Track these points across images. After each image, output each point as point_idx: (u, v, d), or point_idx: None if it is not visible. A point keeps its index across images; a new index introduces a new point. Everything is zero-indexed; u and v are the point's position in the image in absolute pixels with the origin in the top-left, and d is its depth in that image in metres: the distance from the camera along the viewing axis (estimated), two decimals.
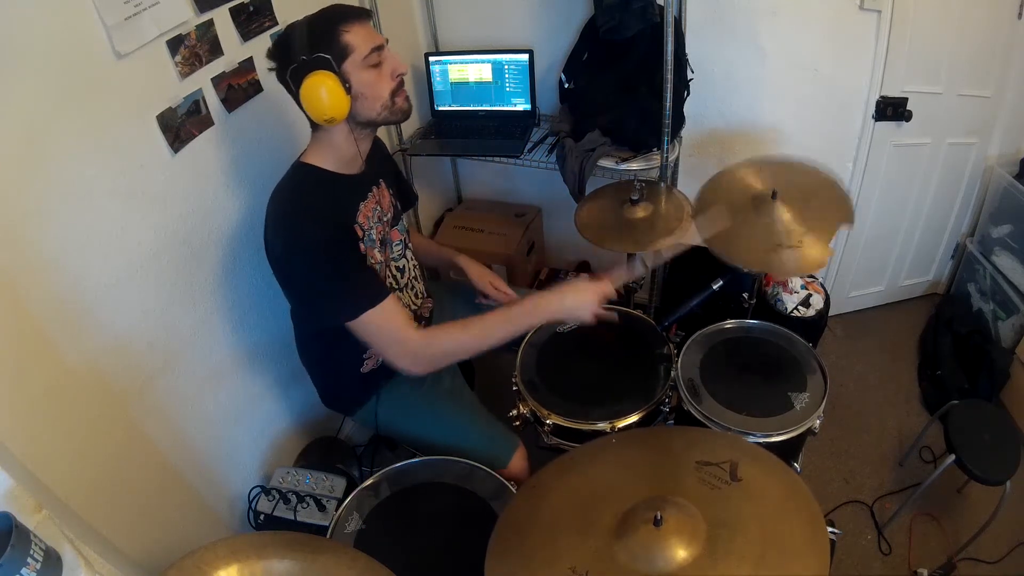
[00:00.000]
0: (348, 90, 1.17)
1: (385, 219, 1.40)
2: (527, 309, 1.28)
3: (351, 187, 1.31)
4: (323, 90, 1.14)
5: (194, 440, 1.47)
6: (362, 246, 1.29)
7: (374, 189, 1.37)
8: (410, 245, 1.53)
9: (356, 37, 1.17)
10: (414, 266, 1.54)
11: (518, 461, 1.41)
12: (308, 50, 1.15)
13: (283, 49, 1.19)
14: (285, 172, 1.29)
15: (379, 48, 1.21)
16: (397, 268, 1.47)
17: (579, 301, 1.28)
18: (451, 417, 1.47)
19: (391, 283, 1.45)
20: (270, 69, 1.22)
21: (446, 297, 1.70)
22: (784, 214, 1.42)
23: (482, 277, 1.60)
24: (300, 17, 1.20)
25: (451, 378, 1.56)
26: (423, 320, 1.55)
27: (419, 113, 2.25)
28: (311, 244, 1.18)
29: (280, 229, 1.21)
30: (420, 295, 1.56)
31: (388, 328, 1.22)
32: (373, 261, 1.33)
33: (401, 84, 1.26)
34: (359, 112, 1.22)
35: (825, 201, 1.44)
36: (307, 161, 1.28)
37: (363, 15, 1.21)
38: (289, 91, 1.21)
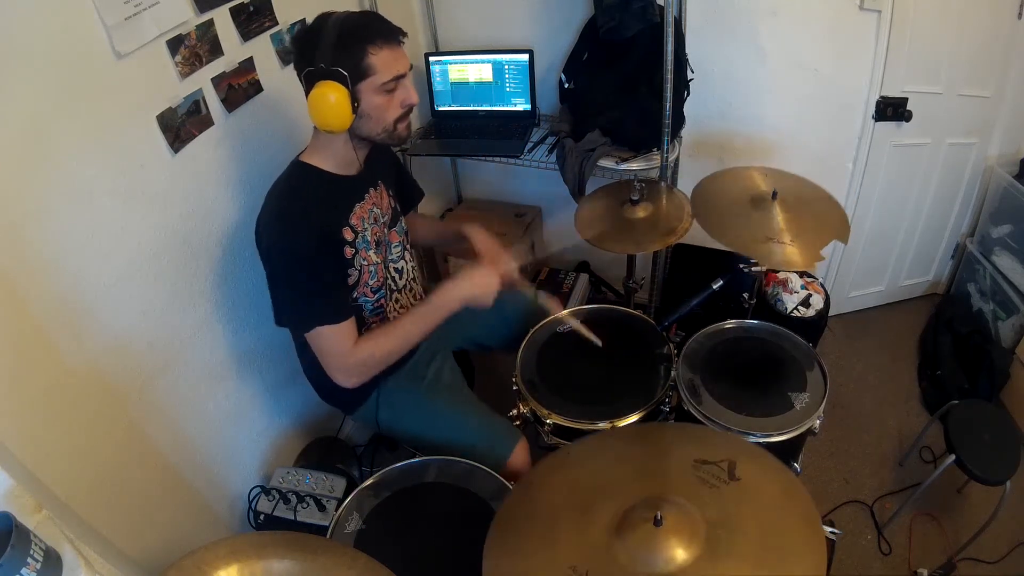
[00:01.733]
0: (355, 108, 1.17)
1: (383, 220, 1.41)
2: (436, 305, 1.33)
3: (347, 188, 1.31)
4: (330, 103, 1.14)
5: (194, 440, 1.47)
6: (350, 250, 1.29)
7: (371, 191, 1.37)
8: (409, 247, 1.53)
9: (382, 61, 1.16)
10: (412, 267, 1.54)
11: (520, 455, 1.41)
12: (330, 59, 1.13)
13: (307, 46, 1.17)
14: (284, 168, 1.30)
15: (400, 77, 1.20)
16: (396, 269, 1.47)
17: (480, 288, 1.33)
18: (451, 413, 1.47)
19: (390, 284, 1.45)
20: (288, 53, 1.21)
21: None
22: (780, 215, 1.44)
23: (485, 243, 1.51)
24: (300, 18, 1.19)
25: (450, 375, 1.56)
26: None
27: (419, 113, 2.26)
28: (290, 250, 1.20)
29: (268, 227, 1.23)
30: (419, 296, 1.56)
31: (332, 347, 1.26)
32: (367, 263, 1.34)
33: (408, 113, 1.26)
34: (359, 128, 1.23)
35: (823, 215, 1.48)
36: (305, 160, 1.29)
37: (396, 38, 1.19)
38: (301, 83, 1.20)
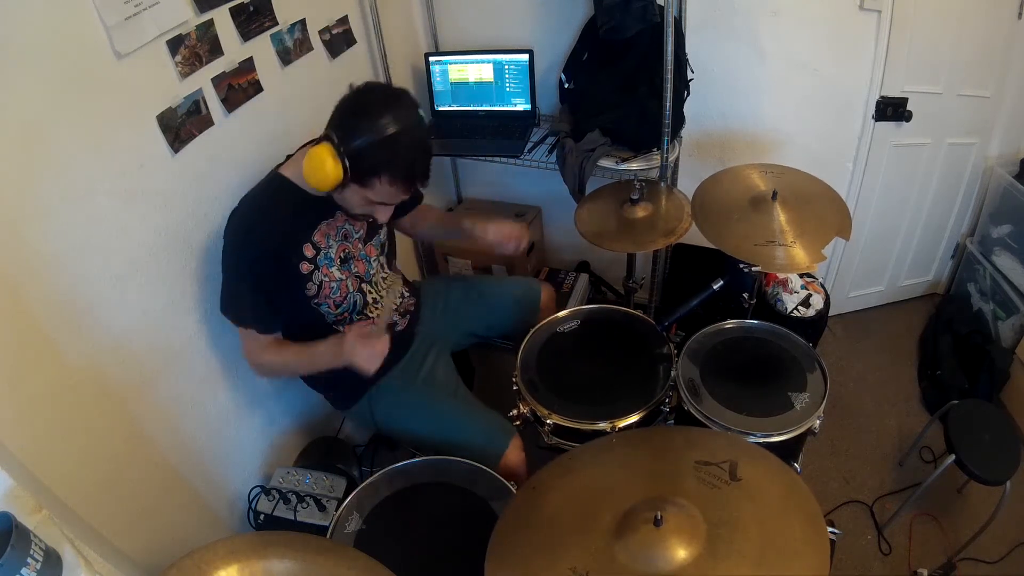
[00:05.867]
0: (339, 188, 1.23)
1: (357, 236, 1.43)
2: (324, 356, 1.35)
3: (315, 206, 1.34)
4: (325, 171, 1.18)
5: (194, 440, 1.47)
6: (308, 265, 1.33)
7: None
8: (388, 257, 1.56)
9: (385, 190, 1.22)
10: (392, 274, 1.56)
11: (514, 450, 1.42)
12: (351, 148, 1.17)
13: (352, 130, 1.18)
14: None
15: (386, 203, 1.29)
16: (371, 284, 1.48)
17: (355, 358, 1.28)
18: (445, 410, 1.48)
19: (364, 298, 1.46)
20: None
21: (440, 292, 1.73)
22: (781, 215, 1.44)
23: (495, 232, 1.60)
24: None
25: (444, 372, 1.57)
26: (408, 314, 1.57)
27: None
28: (243, 254, 1.28)
29: (231, 227, 1.30)
30: (402, 296, 1.57)
31: (248, 346, 1.38)
32: (329, 279, 1.37)
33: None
34: (335, 192, 1.28)
35: (825, 211, 1.47)
36: (282, 172, 1.33)
37: (415, 182, 1.26)
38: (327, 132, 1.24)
